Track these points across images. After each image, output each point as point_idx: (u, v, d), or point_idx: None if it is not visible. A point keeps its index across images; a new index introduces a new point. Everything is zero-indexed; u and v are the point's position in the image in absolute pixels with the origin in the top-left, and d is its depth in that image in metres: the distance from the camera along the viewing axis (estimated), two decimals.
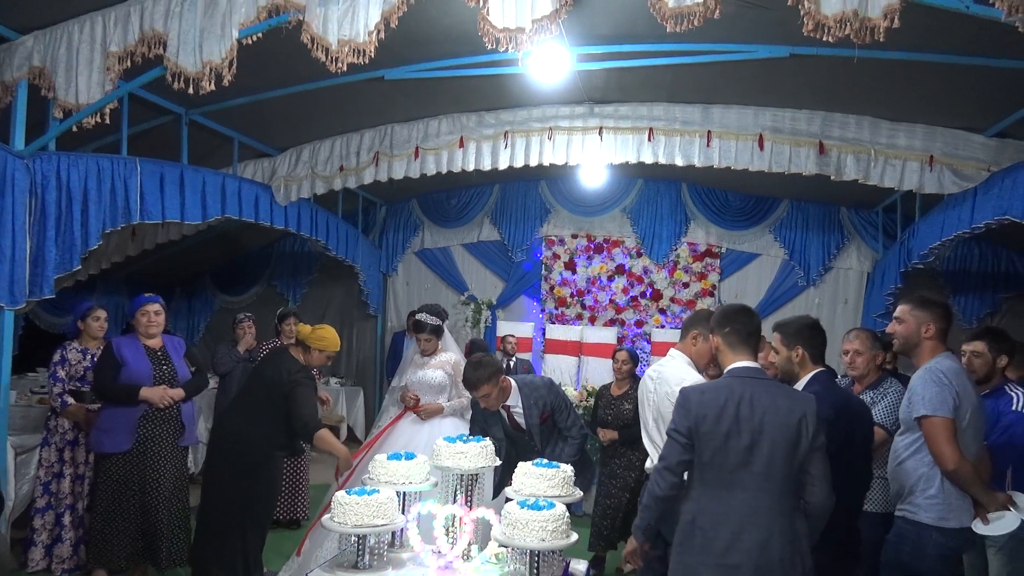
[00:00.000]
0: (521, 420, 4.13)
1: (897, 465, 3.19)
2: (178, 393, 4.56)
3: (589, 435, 6.08)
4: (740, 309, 3.02)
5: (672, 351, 3.70)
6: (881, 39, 3.40)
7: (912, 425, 3.12)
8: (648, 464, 3.65)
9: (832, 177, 6.08)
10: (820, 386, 3.07)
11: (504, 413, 4.15)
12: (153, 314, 4.63)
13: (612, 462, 5.38)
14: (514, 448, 4.12)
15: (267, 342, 6.37)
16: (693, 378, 3.47)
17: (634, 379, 5.41)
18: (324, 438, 4.20)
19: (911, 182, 5.93)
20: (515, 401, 4.12)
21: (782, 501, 2.63)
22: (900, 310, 3.30)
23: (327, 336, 4.41)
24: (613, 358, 5.72)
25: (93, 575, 4.48)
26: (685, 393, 2.82)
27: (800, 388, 3.07)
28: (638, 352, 9.20)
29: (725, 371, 2.87)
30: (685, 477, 2.79)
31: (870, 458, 3.27)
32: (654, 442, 3.56)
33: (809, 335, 3.18)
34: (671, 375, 3.51)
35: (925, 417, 3.01)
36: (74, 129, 4.71)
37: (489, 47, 3.89)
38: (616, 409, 5.39)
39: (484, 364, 3.96)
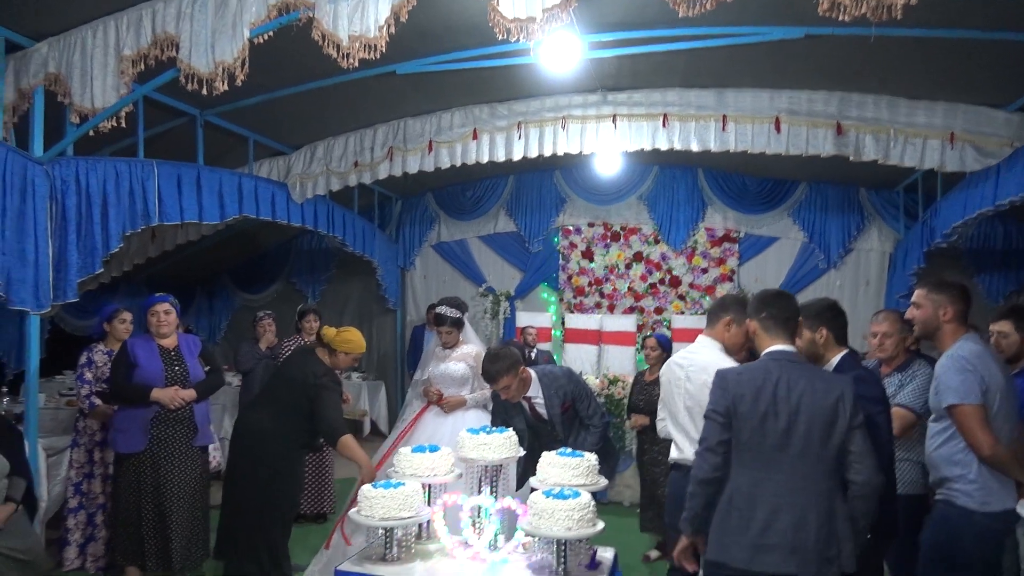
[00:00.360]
0: (543, 411, 4.13)
1: (933, 451, 3.15)
2: (189, 394, 4.52)
3: (612, 423, 6.11)
4: (778, 294, 3.03)
5: (702, 338, 3.65)
6: (899, 16, 3.35)
7: (942, 413, 3.08)
8: (675, 454, 3.61)
9: (851, 158, 6.01)
10: (863, 370, 3.06)
11: (525, 404, 4.14)
12: (163, 314, 4.61)
13: (652, 448, 5.33)
14: (537, 439, 4.12)
15: (288, 339, 6.41)
16: (731, 364, 3.42)
17: None
18: (348, 445, 4.15)
19: (932, 161, 5.84)
20: (536, 392, 4.11)
21: (818, 482, 2.65)
22: (916, 294, 3.26)
23: (353, 339, 4.41)
24: (643, 344, 5.76)
25: (126, 572, 4.53)
26: (722, 374, 2.84)
27: (831, 369, 3.00)
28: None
29: (762, 354, 2.88)
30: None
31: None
32: (685, 431, 3.52)
33: (831, 316, 3.11)
34: (708, 363, 3.43)
35: (954, 406, 2.99)
36: (91, 134, 4.75)
37: (500, 38, 3.87)
38: (648, 395, 5.34)
39: (502, 356, 3.94)
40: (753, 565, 2.64)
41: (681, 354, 3.68)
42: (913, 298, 3.27)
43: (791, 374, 2.73)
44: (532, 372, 4.13)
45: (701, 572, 3.15)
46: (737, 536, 2.67)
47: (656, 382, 5.15)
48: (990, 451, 2.92)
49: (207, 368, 4.77)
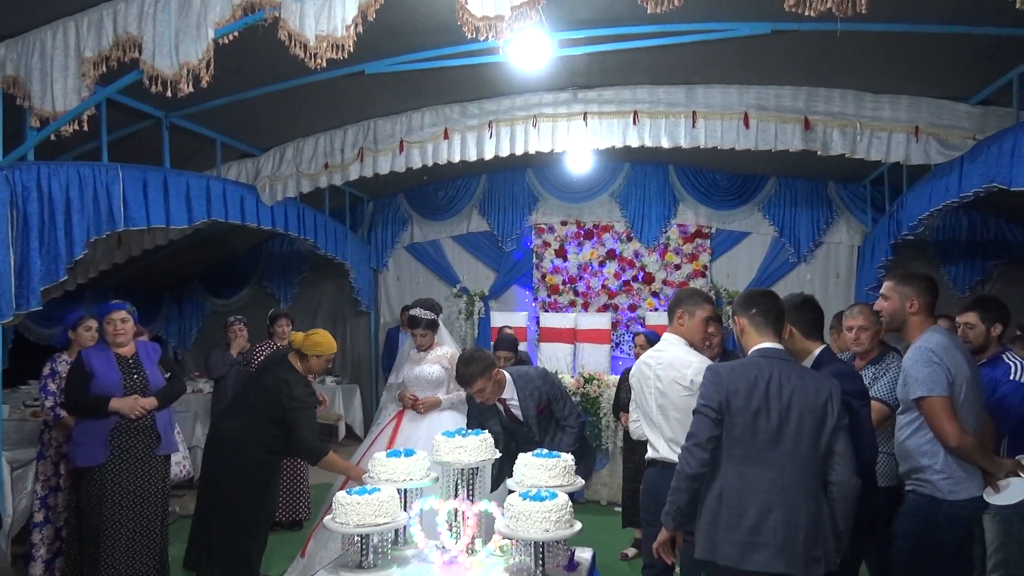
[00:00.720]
0: (518, 412, 4.11)
1: (902, 443, 3.21)
2: (150, 402, 4.42)
3: (588, 421, 6.09)
4: (765, 292, 3.07)
5: (667, 336, 3.69)
6: (863, 11, 3.37)
7: (910, 405, 3.13)
8: (651, 452, 3.63)
9: (819, 152, 6.08)
10: (842, 364, 3.09)
11: (500, 406, 4.13)
12: (119, 322, 4.46)
13: (639, 447, 5.26)
14: (513, 440, 4.10)
15: (260, 344, 6.33)
16: (699, 358, 3.52)
17: None
18: (332, 462, 4.15)
19: (897, 154, 5.93)
20: (510, 394, 4.10)
21: (807, 481, 2.67)
22: (884, 287, 3.30)
23: (322, 341, 4.35)
24: (634, 342, 5.77)
25: None
26: (714, 369, 2.86)
27: (807, 365, 3.01)
28: (632, 337, 9.27)
29: (750, 351, 2.89)
30: None
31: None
32: (659, 429, 3.55)
33: (798, 312, 3.09)
34: (675, 359, 3.52)
35: (922, 398, 3.03)
36: (52, 138, 4.64)
37: (469, 36, 3.83)
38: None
39: (476, 359, 3.91)
40: (743, 563, 2.65)
41: (648, 353, 3.71)
42: (881, 290, 3.32)
43: (782, 371, 2.75)
44: (507, 374, 4.12)
45: (677, 568, 3.16)
46: (727, 534, 2.67)
47: None
48: (957, 442, 2.96)
49: (167, 375, 4.65)
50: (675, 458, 3.33)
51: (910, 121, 5.86)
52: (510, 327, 8.24)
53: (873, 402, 3.52)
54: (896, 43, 5.17)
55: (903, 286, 3.22)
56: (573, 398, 4.24)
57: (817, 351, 3.08)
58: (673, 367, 3.51)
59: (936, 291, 3.24)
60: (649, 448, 3.65)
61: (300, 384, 4.28)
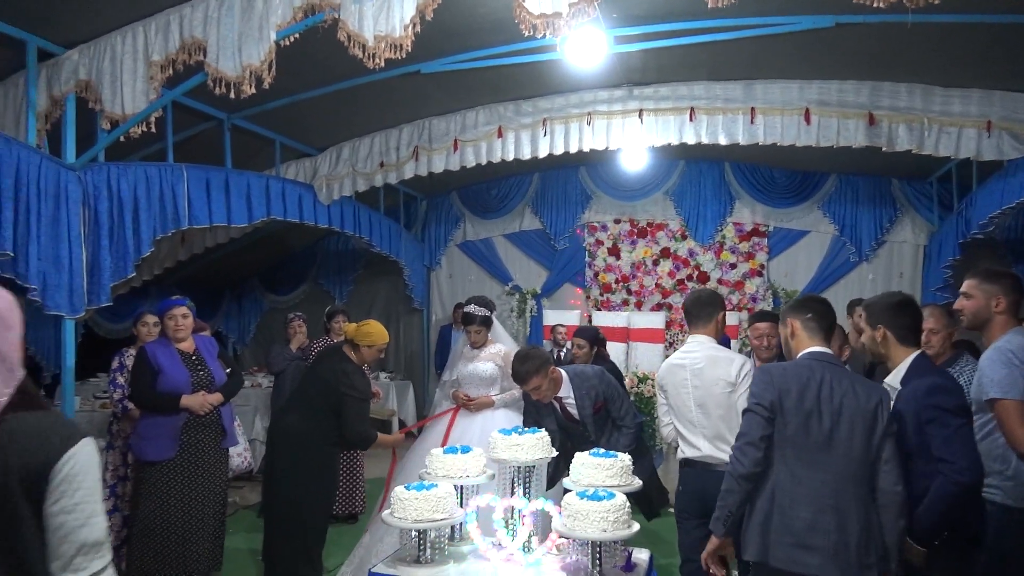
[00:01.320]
0: (574, 411, 4.09)
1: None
2: (217, 398, 4.52)
3: (645, 423, 5.99)
4: (820, 299, 3.02)
5: (699, 337, 3.69)
6: (935, 1, 3.26)
7: (983, 406, 3.00)
8: (687, 452, 3.63)
9: (883, 148, 5.89)
10: (939, 377, 2.83)
11: (556, 405, 4.11)
12: (180, 317, 4.54)
13: None
14: (569, 439, 4.09)
15: (318, 340, 6.43)
16: (740, 356, 3.66)
17: None
18: (381, 441, 4.43)
19: (968, 150, 5.70)
20: (567, 392, 4.07)
21: (859, 487, 2.63)
22: (967, 284, 3.15)
23: (372, 331, 4.43)
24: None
25: None
26: (766, 368, 2.85)
27: (902, 373, 2.85)
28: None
29: (800, 354, 2.87)
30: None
31: None
32: (699, 427, 3.58)
33: (891, 314, 2.91)
34: (714, 356, 3.59)
35: (996, 400, 2.90)
36: (121, 139, 4.80)
37: (526, 34, 3.83)
38: None
39: (532, 356, 3.91)
40: (794, 566, 2.59)
41: (676, 356, 3.74)
42: (963, 287, 3.16)
43: (832, 375, 2.72)
44: (563, 372, 4.09)
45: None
46: (779, 535, 2.62)
47: None
48: None
49: (227, 370, 4.75)
50: (719, 456, 3.42)
51: (982, 115, 5.63)
52: (563, 326, 8.21)
53: None
54: (966, 34, 4.99)
55: (988, 284, 3.08)
56: (638, 418, 4.16)
57: (910, 358, 2.88)
58: (716, 365, 3.55)
59: (1023, 290, 3.10)
60: (686, 448, 3.65)
61: (356, 374, 4.36)
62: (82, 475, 1.58)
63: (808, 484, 2.62)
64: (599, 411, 4.04)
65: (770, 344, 4.15)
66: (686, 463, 3.68)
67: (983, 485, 2.94)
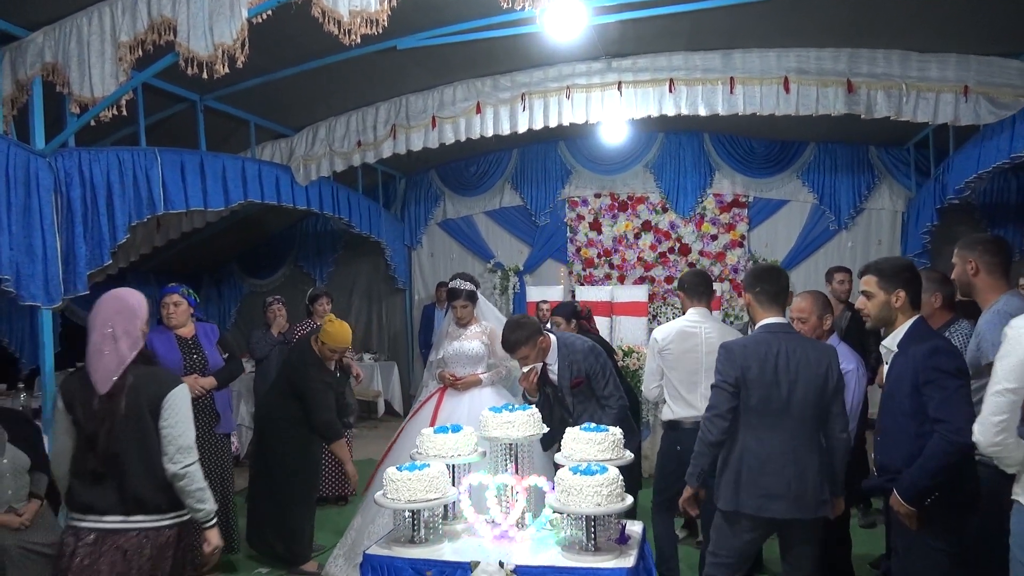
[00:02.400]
0: (554, 378, 4.10)
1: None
2: (209, 382, 4.51)
3: (643, 402, 5.90)
4: (771, 268, 3.40)
5: (701, 310, 4.09)
6: None
7: (981, 370, 3.02)
8: (675, 414, 4.02)
9: (862, 115, 5.91)
10: (940, 339, 2.88)
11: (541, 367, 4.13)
12: (172, 305, 4.57)
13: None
14: (558, 404, 4.11)
15: (300, 324, 6.38)
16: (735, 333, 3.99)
17: None
18: (339, 449, 4.65)
19: (946, 115, 5.73)
20: (552, 359, 4.08)
21: (813, 437, 3.05)
22: (954, 254, 3.23)
23: (332, 331, 4.59)
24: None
25: None
26: (728, 347, 3.14)
27: (901, 336, 2.88)
28: (669, 309, 9.18)
29: (758, 326, 3.19)
30: None
31: None
32: (700, 387, 3.90)
33: (909, 277, 2.92)
34: (723, 327, 4.14)
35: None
36: (92, 123, 4.68)
37: (505, 6, 3.77)
38: None
39: (522, 326, 3.93)
40: (762, 512, 3.02)
41: (684, 323, 4.07)
42: (953, 258, 3.25)
43: (788, 345, 3.07)
44: (553, 339, 4.09)
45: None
46: (749, 489, 3.03)
47: None
48: None
49: (226, 356, 4.75)
50: None
51: (959, 80, 5.66)
52: (546, 301, 8.20)
53: None
54: None
55: (963, 250, 3.15)
56: (623, 400, 4.09)
57: (911, 321, 2.89)
58: (725, 334, 3.97)
59: (1002, 251, 3.12)
60: (679, 409, 4.01)
61: (314, 366, 4.53)
62: (177, 405, 2.72)
63: (771, 444, 3.02)
64: (577, 386, 4.00)
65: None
66: (671, 426, 4.08)
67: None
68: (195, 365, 4.54)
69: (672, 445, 4.06)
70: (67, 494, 2.71)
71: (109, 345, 2.69)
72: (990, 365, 2.89)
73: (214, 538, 2.78)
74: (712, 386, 3.12)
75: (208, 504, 2.73)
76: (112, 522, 2.60)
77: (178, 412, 2.70)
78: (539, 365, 4.00)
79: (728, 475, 3.09)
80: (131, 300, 2.80)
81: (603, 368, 4.03)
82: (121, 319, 2.74)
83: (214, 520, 2.77)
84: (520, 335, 3.87)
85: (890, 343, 2.95)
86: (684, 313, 4.18)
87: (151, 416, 2.66)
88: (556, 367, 4.06)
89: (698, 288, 4.10)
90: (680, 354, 4.00)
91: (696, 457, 3.17)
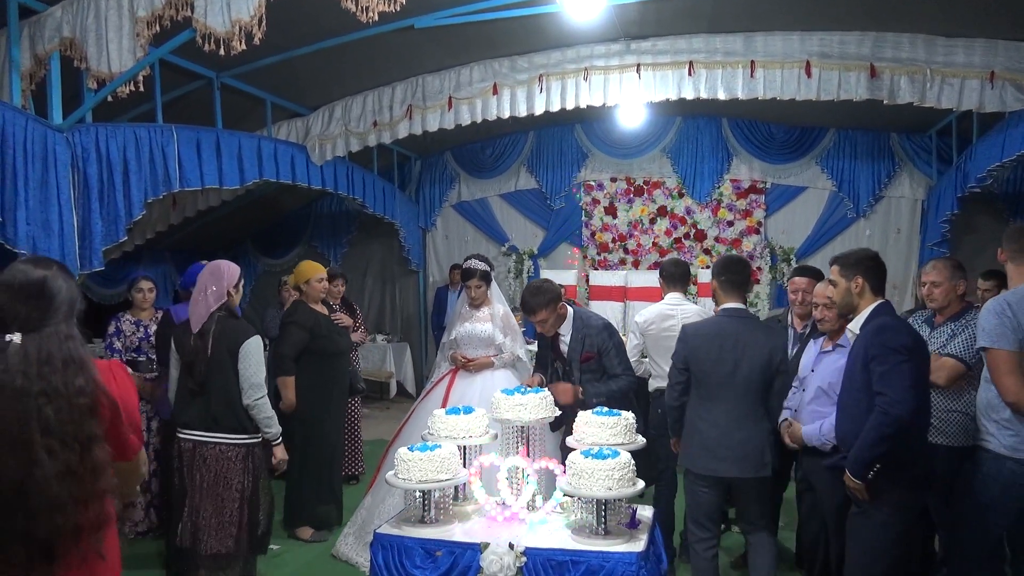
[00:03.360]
0: (564, 348, 4.12)
1: (980, 394, 3.13)
2: None
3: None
4: (735, 260, 3.78)
5: (677, 295, 4.48)
6: None
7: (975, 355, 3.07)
8: (660, 383, 4.30)
9: (885, 101, 5.81)
10: (890, 317, 3.03)
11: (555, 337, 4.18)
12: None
13: None
14: (564, 379, 4.12)
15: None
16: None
17: None
18: (283, 388, 4.81)
19: (971, 101, 5.62)
20: (566, 330, 4.11)
21: (757, 408, 3.48)
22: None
23: (296, 270, 5.09)
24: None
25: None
26: (684, 329, 3.69)
27: (863, 320, 3.04)
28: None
29: (719, 309, 3.67)
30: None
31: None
32: (663, 370, 4.22)
33: (870, 265, 3.11)
34: (696, 309, 4.57)
35: (985, 349, 2.99)
36: (109, 99, 4.67)
37: None
38: None
39: (544, 291, 3.98)
40: (711, 471, 3.48)
41: (666, 304, 4.47)
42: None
43: (740, 328, 3.52)
44: (570, 310, 4.12)
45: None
46: (698, 451, 3.51)
47: None
48: (1014, 398, 2.89)
49: None
50: None
51: (985, 66, 5.54)
52: (562, 286, 8.16)
53: (947, 359, 3.44)
54: None
55: (1007, 240, 3.17)
56: (632, 375, 4.20)
57: (873, 305, 3.06)
58: (704, 314, 4.41)
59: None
60: (660, 382, 4.29)
61: (299, 312, 4.92)
62: (251, 351, 3.57)
63: (717, 413, 3.46)
64: (587, 361, 4.03)
65: (804, 300, 4.14)
66: (656, 395, 4.40)
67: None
68: None
69: (656, 410, 4.40)
70: (174, 414, 3.72)
71: (202, 297, 3.62)
72: (982, 350, 2.95)
73: (279, 453, 3.79)
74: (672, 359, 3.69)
75: (274, 428, 3.69)
76: (199, 436, 3.58)
77: (251, 356, 3.58)
78: (568, 387, 3.99)
79: (685, 439, 3.60)
80: (222, 266, 3.72)
81: (616, 346, 4.09)
82: (212, 279, 3.65)
83: (279, 440, 3.74)
84: (541, 299, 3.94)
85: (854, 326, 3.10)
86: (663, 298, 4.58)
87: (231, 357, 3.55)
88: (568, 338, 4.08)
89: (675, 276, 4.53)
90: (658, 333, 4.39)
91: (668, 416, 3.77)
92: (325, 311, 5.18)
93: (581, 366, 4.04)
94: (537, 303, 3.94)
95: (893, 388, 2.81)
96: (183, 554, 3.66)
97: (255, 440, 3.65)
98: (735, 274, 3.62)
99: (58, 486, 1.75)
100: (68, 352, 1.86)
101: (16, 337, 1.81)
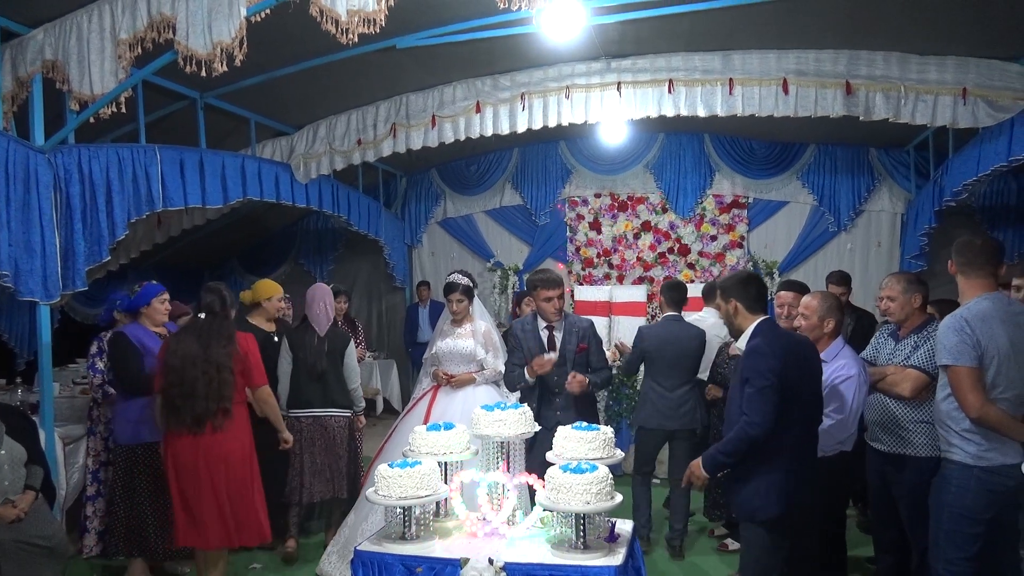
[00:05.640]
0: (558, 342, 4.45)
1: (938, 404, 3.19)
2: None
3: (625, 393, 6.14)
4: (677, 283, 5.48)
5: (673, 314, 5.17)
6: None
7: (936, 372, 3.12)
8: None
9: (861, 117, 5.91)
10: (760, 338, 3.18)
11: (547, 333, 4.52)
12: (168, 303, 4.69)
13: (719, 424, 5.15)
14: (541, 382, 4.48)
15: None
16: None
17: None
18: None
19: (944, 117, 5.73)
20: (560, 325, 4.54)
21: (689, 383, 4.99)
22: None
23: (254, 287, 5.43)
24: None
25: (132, 566, 4.48)
26: (640, 330, 5.22)
27: (745, 340, 3.25)
28: None
29: (663, 317, 5.23)
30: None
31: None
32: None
33: (740, 288, 3.30)
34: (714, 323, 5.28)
35: (947, 367, 3.04)
36: (91, 120, 4.70)
37: (501, 6, 3.79)
38: (728, 369, 5.19)
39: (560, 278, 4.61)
40: (659, 426, 4.99)
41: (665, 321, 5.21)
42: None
43: (679, 328, 5.07)
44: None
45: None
46: (651, 412, 5.00)
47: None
48: (976, 414, 2.95)
49: None
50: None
51: (957, 83, 5.66)
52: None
53: (911, 371, 3.51)
54: (942, 1, 4.98)
55: (954, 255, 3.21)
56: (611, 370, 5.20)
57: (755, 324, 3.25)
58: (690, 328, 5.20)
59: (972, 251, 3.15)
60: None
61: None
62: (351, 351, 5.11)
63: (662, 387, 4.98)
64: (581, 352, 4.48)
65: (790, 313, 4.23)
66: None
67: (943, 443, 3.12)
68: None
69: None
70: (289, 398, 4.92)
71: (321, 311, 5.00)
72: (943, 367, 2.98)
73: (362, 420, 5.38)
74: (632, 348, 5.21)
75: (361, 404, 5.24)
76: (319, 412, 4.92)
77: (351, 355, 5.08)
78: (554, 356, 4.40)
79: (639, 406, 5.16)
80: (327, 288, 5.21)
81: (599, 343, 4.69)
82: (324, 297, 5.07)
83: (363, 411, 5.31)
84: (558, 278, 4.53)
85: (740, 344, 3.30)
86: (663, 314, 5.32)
87: (339, 355, 5.00)
88: (562, 332, 4.52)
89: (673, 297, 5.23)
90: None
91: (626, 368, 5.55)
92: (274, 328, 5.35)
93: (575, 358, 4.47)
94: (560, 279, 4.53)
95: (755, 412, 3.05)
96: (290, 508, 4.89)
97: (351, 413, 5.10)
98: (675, 292, 5.22)
99: (205, 388, 3.89)
100: (222, 326, 4.07)
101: (202, 316, 4.08)
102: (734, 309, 3.30)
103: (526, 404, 3.52)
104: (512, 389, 4.64)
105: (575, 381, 4.37)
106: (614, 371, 5.80)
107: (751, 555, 3.25)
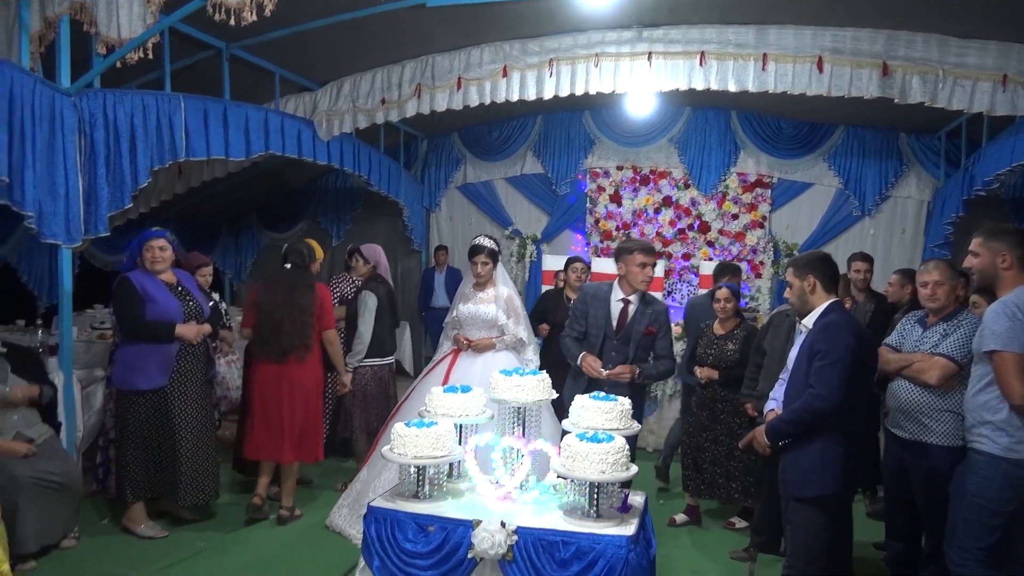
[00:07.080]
0: (628, 317, 4.27)
1: (971, 396, 3.15)
2: (207, 328, 4.62)
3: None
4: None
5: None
6: None
7: (983, 358, 3.05)
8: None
9: (896, 100, 5.76)
10: (837, 315, 3.20)
11: (621, 305, 4.31)
12: (158, 249, 4.53)
13: (715, 406, 4.97)
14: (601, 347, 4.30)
15: (338, 276, 6.46)
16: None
17: (740, 317, 5.14)
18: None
19: (982, 103, 5.58)
20: (636, 301, 4.30)
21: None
22: (974, 243, 3.24)
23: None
24: (713, 296, 5.22)
25: (131, 509, 4.53)
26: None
27: (814, 318, 3.27)
28: (685, 286, 9.14)
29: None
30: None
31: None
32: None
33: (821, 265, 3.34)
34: None
35: (995, 352, 2.98)
36: (118, 65, 4.66)
37: None
38: (719, 349, 5.01)
39: None
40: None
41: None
42: (971, 246, 3.23)
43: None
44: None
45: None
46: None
47: (729, 336, 4.97)
48: (1021, 400, 2.91)
49: (211, 303, 4.89)
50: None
51: (998, 68, 5.50)
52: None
53: (939, 359, 3.46)
54: None
55: (993, 241, 3.13)
56: (675, 360, 4.70)
57: (826, 304, 3.28)
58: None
59: None
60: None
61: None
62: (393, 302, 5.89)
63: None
64: (648, 336, 4.30)
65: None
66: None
67: (970, 433, 3.10)
68: (192, 311, 4.58)
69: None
70: (372, 347, 5.44)
71: (387, 266, 5.68)
72: (990, 353, 2.92)
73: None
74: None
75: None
76: (391, 359, 5.64)
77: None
78: (606, 374, 4.20)
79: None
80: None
81: (669, 330, 4.43)
82: (383, 256, 5.83)
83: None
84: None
85: (808, 322, 3.30)
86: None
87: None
88: (635, 309, 4.30)
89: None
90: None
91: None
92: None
93: (641, 340, 4.28)
94: (655, 248, 4.43)
95: (822, 384, 3.07)
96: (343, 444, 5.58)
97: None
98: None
99: (290, 326, 4.67)
100: (305, 276, 4.90)
101: (288, 266, 4.83)
102: (811, 286, 3.31)
103: (545, 372, 3.49)
104: (571, 361, 4.42)
105: (625, 370, 4.17)
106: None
107: (803, 536, 3.21)
